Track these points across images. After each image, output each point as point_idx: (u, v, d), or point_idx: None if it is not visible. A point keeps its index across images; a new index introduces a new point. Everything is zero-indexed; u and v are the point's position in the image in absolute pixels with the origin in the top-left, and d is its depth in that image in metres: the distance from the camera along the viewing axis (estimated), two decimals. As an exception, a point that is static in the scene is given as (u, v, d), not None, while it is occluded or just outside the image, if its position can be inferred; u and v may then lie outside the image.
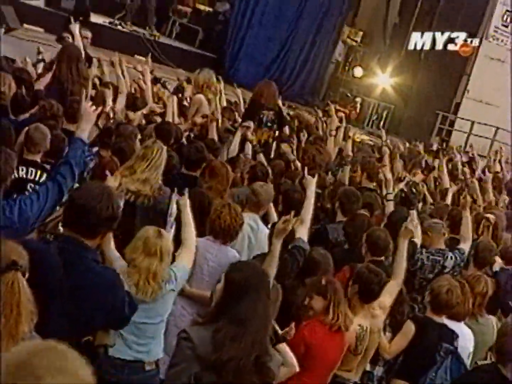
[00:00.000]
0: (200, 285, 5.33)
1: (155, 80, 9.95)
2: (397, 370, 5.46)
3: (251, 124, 8.53)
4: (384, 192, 7.66)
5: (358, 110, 20.74)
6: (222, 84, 10.43)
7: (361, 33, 21.57)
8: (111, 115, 5.85)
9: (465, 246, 7.07)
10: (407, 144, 13.88)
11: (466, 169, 11.35)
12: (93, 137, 6.32)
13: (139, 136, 6.93)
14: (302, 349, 4.58)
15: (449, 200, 8.96)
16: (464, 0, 20.09)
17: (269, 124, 9.75)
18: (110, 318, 3.61)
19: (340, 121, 10.65)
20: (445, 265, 6.80)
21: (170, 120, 8.24)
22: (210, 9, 20.17)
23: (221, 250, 5.53)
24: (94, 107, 4.33)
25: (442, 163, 10.50)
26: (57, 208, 4.07)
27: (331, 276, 5.30)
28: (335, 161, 9.48)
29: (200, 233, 5.36)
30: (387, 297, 5.25)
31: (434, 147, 13.51)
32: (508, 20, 20.21)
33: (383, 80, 20.87)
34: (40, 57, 9.23)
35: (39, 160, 5.95)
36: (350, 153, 9.83)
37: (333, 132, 10.06)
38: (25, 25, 15.00)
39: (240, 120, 9.77)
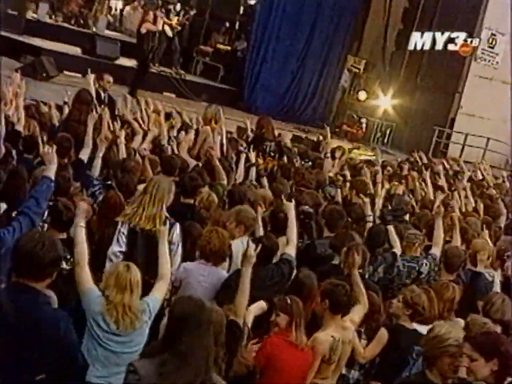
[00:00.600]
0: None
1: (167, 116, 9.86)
2: (374, 373, 5.27)
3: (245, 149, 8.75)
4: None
5: (364, 130, 20.64)
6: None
7: (364, 61, 21.39)
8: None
9: (436, 251, 6.84)
10: (399, 159, 13.71)
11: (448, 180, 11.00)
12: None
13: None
14: (263, 361, 4.43)
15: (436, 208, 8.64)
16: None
17: (272, 154, 9.96)
18: (59, 364, 3.35)
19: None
20: (421, 271, 6.61)
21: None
22: (229, 48, 20.32)
23: (212, 272, 5.44)
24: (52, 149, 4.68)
25: (426, 176, 10.19)
26: None
27: (316, 294, 5.14)
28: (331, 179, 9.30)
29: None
30: (356, 315, 5.09)
31: (424, 159, 13.20)
32: (494, 42, 19.86)
33: (384, 101, 20.68)
34: (66, 99, 9.21)
35: None
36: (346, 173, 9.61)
37: (328, 155, 9.90)
38: (65, 72, 15.15)
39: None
